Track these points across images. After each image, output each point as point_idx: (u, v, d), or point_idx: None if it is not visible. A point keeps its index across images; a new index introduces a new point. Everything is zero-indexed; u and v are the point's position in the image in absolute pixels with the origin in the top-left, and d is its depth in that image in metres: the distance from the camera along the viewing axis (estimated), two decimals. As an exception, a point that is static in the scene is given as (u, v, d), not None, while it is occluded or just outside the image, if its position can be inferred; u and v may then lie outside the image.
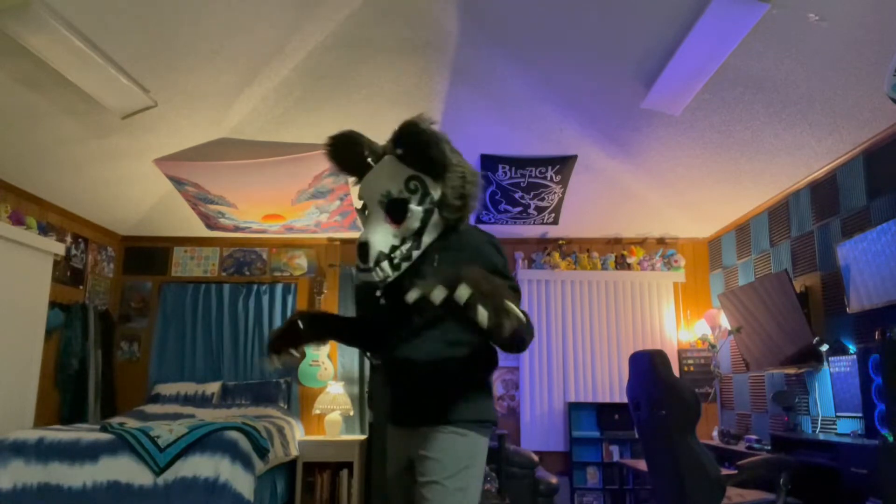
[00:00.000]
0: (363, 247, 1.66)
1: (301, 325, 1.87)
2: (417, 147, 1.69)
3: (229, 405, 5.11)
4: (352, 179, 1.85)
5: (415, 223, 1.73)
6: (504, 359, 5.64)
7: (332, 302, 5.67)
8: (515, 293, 1.66)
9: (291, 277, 5.79)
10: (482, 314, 1.38)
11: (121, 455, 3.51)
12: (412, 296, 1.43)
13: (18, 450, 3.51)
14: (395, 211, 1.70)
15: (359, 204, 1.82)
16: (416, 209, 1.73)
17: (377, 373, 2.86)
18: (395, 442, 1.86)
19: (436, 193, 1.73)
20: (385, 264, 1.69)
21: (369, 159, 1.78)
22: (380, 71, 3.65)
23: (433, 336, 1.75)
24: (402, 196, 1.70)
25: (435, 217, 1.74)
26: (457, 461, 1.69)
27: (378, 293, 1.84)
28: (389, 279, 1.70)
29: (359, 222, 1.80)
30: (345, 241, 5.80)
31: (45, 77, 3.21)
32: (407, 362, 1.76)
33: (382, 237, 1.69)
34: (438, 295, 1.39)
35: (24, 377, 4.38)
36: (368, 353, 3.03)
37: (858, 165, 3.69)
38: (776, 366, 4.34)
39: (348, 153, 1.81)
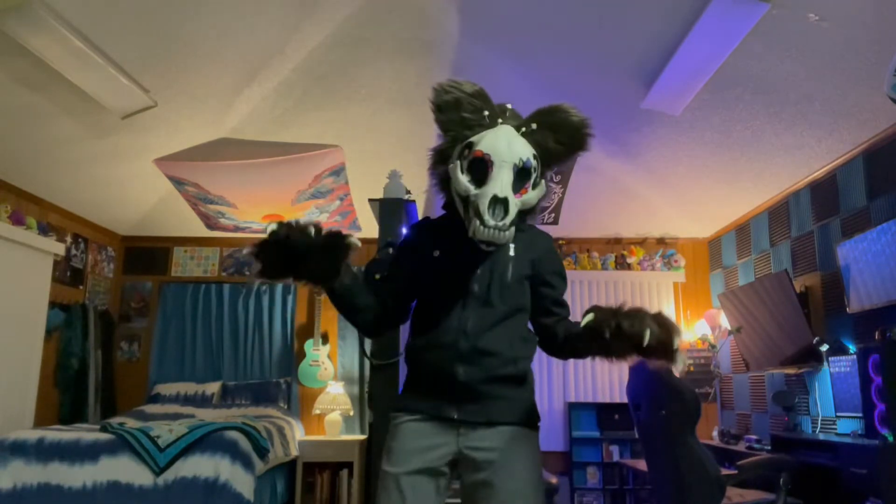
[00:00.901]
0: (503, 202, 1.54)
1: (355, 244, 1.58)
2: (571, 131, 1.65)
3: (229, 405, 5.11)
4: (438, 132, 1.71)
5: (534, 199, 1.66)
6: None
7: (332, 302, 5.67)
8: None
9: (291, 277, 5.79)
10: (681, 360, 1.47)
11: (121, 455, 3.51)
12: (588, 319, 1.50)
13: (18, 450, 3.51)
14: (522, 180, 1.62)
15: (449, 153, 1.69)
16: (543, 184, 1.68)
17: (379, 372, 2.81)
18: (422, 437, 1.61)
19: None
20: (513, 229, 1.58)
21: (499, 120, 1.66)
22: (380, 71, 3.65)
23: (510, 329, 1.65)
24: (533, 168, 1.63)
25: None
26: (535, 465, 1.62)
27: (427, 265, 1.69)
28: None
29: (461, 177, 1.61)
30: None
31: (45, 77, 3.21)
32: (486, 353, 1.60)
33: (514, 200, 1.58)
34: (648, 336, 1.44)
35: (24, 377, 4.38)
36: (369, 354, 2.93)
37: (858, 165, 3.69)
38: (776, 366, 4.34)
39: (470, 106, 1.65)
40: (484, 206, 1.53)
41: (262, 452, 3.83)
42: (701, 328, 5.35)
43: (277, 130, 4.14)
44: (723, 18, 2.81)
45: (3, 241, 4.12)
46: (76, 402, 4.92)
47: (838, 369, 3.74)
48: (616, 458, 5.29)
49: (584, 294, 5.70)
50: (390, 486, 1.58)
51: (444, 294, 1.66)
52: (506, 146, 1.60)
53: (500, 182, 1.55)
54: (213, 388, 5.30)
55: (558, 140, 1.66)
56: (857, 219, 3.67)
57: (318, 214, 4.98)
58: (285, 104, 3.91)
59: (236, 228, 5.26)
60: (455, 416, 1.60)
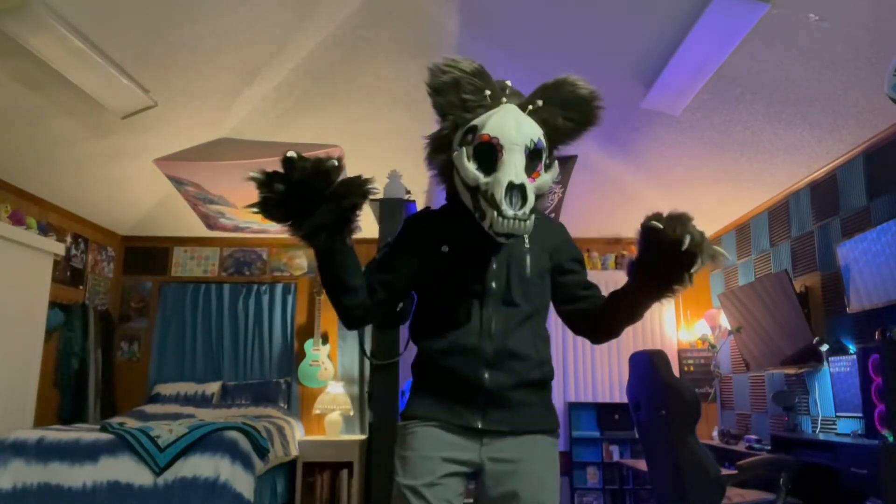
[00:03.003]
0: (521, 189, 1.37)
1: (373, 192, 1.39)
2: (581, 105, 1.54)
3: (229, 405, 5.11)
4: (437, 117, 1.56)
5: (548, 182, 1.51)
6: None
7: (332, 302, 5.66)
8: None
9: (291, 277, 5.79)
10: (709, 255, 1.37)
11: (121, 455, 3.51)
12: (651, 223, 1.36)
13: (18, 450, 3.51)
14: (534, 163, 1.46)
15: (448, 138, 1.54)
16: (555, 165, 1.54)
17: (379, 372, 2.80)
18: (442, 444, 1.47)
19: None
20: (533, 218, 1.40)
21: (503, 100, 1.52)
22: (380, 71, 3.65)
23: (533, 329, 1.53)
24: (543, 149, 1.48)
25: None
26: (558, 474, 1.55)
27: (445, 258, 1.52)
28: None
29: (468, 164, 1.45)
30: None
31: (45, 77, 3.21)
32: (514, 357, 1.48)
33: (531, 186, 1.41)
34: (687, 241, 1.33)
35: (24, 377, 4.38)
36: (369, 354, 2.91)
37: (858, 165, 3.69)
38: (776, 366, 4.34)
39: (470, 87, 1.51)
40: (500, 194, 1.36)
41: (262, 452, 3.83)
42: (701, 328, 5.35)
43: (277, 130, 4.14)
44: (723, 18, 2.81)
45: (3, 241, 4.12)
46: (76, 402, 4.92)
47: (838, 369, 3.74)
48: (616, 458, 5.29)
49: (584, 294, 5.68)
50: (411, 500, 1.43)
51: (459, 293, 1.50)
52: (514, 127, 1.44)
53: (514, 167, 1.39)
54: (213, 388, 5.30)
55: (567, 116, 1.54)
56: (857, 219, 3.67)
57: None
58: (285, 104, 3.91)
59: (236, 228, 5.26)
60: (480, 426, 1.46)
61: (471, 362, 1.46)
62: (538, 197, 1.48)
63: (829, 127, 3.56)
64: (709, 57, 3.11)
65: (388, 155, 4.13)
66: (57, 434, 3.64)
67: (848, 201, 3.78)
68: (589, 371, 5.56)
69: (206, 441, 3.57)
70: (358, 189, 1.35)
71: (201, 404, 5.08)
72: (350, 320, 1.56)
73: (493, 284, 1.50)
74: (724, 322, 5.09)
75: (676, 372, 5.28)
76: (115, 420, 4.42)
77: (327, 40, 3.41)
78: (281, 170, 1.30)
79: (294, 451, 4.83)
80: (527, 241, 1.54)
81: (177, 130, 4.01)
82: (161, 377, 5.46)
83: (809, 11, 2.72)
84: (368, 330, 2.99)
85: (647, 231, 1.38)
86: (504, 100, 1.51)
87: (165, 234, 5.75)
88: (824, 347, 3.82)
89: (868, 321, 3.51)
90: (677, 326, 5.63)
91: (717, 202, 4.94)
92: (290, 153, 1.29)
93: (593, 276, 5.62)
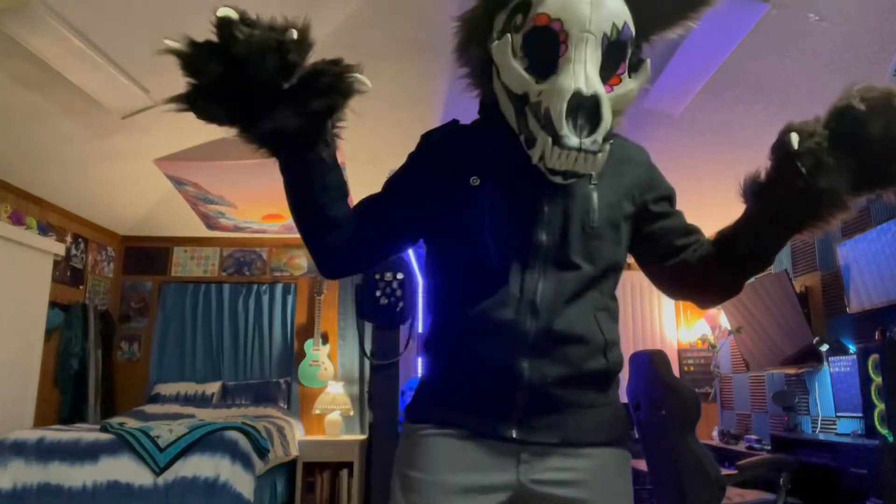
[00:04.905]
0: (592, 104, 0.92)
1: (363, 84, 0.94)
2: None
3: (229, 405, 5.11)
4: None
5: (635, 92, 1.06)
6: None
7: (332, 303, 5.68)
8: None
9: (291, 277, 5.79)
10: None
11: (121, 455, 3.51)
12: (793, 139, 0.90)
13: (18, 450, 3.51)
14: (615, 61, 1.00)
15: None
16: (645, 71, 1.07)
17: (379, 372, 2.80)
18: (464, 465, 1.02)
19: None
20: (607, 149, 0.95)
21: None
22: (380, 71, 3.65)
23: (597, 300, 1.07)
24: (630, 41, 1.02)
25: None
26: (631, 501, 1.09)
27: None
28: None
29: (514, 63, 1.00)
30: (345, 241, 5.79)
31: (45, 77, 3.21)
32: (566, 340, 1.02)
33: (607, 100, 0.96)
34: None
35: (24, 377, 4.38)
36: (369, 354, 2.90)
37: (858, 165, 3.69)
38: (776, 366, 4.34)
39: None
40: (559, 111, 0.91)
41: (262, 452, 3.84)
42: (701, 328, 5.36)
43: (277, 130, 4.14)
44: (723, 18, 2.81)
45: (3, 241, 4.12)
46: (76, 402, 4.92)
47: (838, 369, 3.74)
48: (616, 458, 5.29)
49: (584, 294, 5.69)
50: None
51: (493, 246, 1.04)
52: (589, 4, 0.95)
53: (584, 69, 0.93)
54: (213, 388, 5.30)
55: None
56: (857, 219, 3.67)
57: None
58: (285, 104, 3.91)
59: (236, 228, 5.26)
60: (514, 436, 1.02)
61: (505, 346, 1.01)
62: (615, 115, 1.03)
63: (829, 127, 3.56)
64: (709, 57, 3.11)
65: (388, 155, 4.13)
66: (57, 434, 3.64)
67: (848, 201, 3.78)
68: (589, 371, 5.56)
69: (206, 441, 3.57)
70: (336, 83, 0.91)
71: (201, 404, 5.08)
72: (331, 265, 1.12)
73: (543, 236, 1.04)
74: (724, 322, 5.09)
75: (676, 372, 5.28)
76: (115, 420, 4.42)
77: (327, 40, 3.41)
78: (216, 39, 0.83)
79: (294, 451, 4.83)
80: (594, 175, 1.06)
81: (177, 130, 4.01)
82: (161, 377, 5.46)
83: (809, 11, 2.72)
84: (369, 330, 2.99)
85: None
86: None
87: (165, 234, 5.76)
88: (824, 347, 3.82)
89: (868, 321, 3.51)
90: (677, 326, 5.62)
91: (718, 202, 4.94)
92: (227, 9, 0.83)
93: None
